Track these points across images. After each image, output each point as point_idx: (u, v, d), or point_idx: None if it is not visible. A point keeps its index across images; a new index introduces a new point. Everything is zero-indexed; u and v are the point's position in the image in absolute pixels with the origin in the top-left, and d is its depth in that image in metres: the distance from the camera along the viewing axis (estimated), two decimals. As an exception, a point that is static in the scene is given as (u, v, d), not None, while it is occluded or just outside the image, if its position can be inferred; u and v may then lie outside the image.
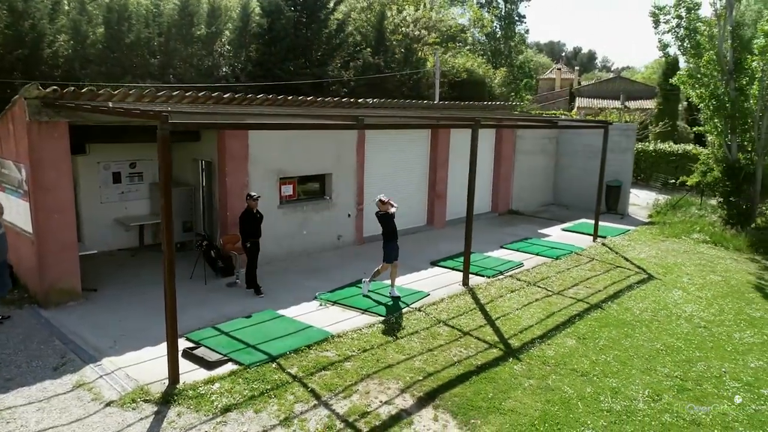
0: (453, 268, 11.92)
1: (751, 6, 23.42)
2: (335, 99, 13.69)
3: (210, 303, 9.65)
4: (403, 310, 9.58)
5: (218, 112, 10.16)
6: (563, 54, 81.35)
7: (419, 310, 9.61)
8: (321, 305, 9.75)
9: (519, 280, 11.55)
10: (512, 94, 34.91)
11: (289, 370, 7.34)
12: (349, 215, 13.44)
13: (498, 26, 46.27)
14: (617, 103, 37.88)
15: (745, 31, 17.59)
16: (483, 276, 11.56)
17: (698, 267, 12.91)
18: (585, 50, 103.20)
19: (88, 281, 10.04)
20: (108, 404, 6.48)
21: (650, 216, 18.63)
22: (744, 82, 15.62)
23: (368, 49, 24.12)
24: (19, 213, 9.61)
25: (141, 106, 9.38)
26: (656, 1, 16.62)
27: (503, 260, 12.77)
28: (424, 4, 31.54)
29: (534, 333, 8.88)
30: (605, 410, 6.75)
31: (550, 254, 13.45)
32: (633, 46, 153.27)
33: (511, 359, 7.95)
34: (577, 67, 65.15)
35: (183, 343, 7.68)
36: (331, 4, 22.97)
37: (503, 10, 46.79)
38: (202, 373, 7.19)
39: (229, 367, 7.39)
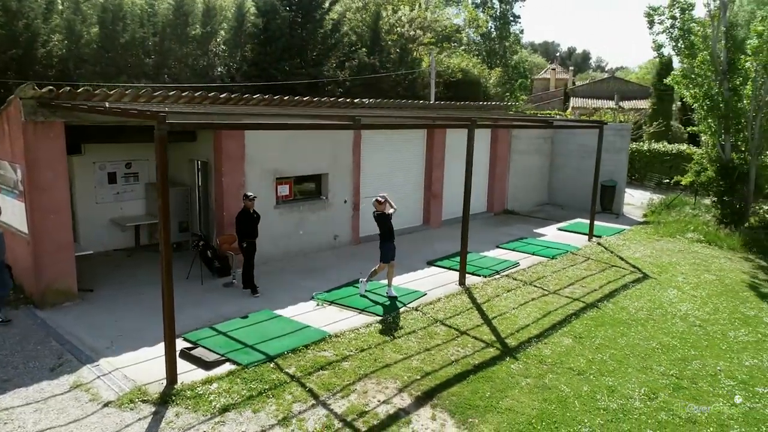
0: (449, 268, 11.95)
1: (744, 7, 23.57)
2: (331, 99, 13.70)
3: (207, 303, 9.64)
4: (400, 310, 9.60)
5: (214, 112, 10.16)
6: (558, 54, 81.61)
7: (416, 310, 9.63)
8: (318, 305, 9.76)
9: (515, 279, 11.60)
10: (507, 94, 35.07)
11: (287, 370, 7.34)
12: (345, 201, 13.45)
13: (493, 26, 46.46)
14: (611, 103, 38.01)
15: (738, 31, 17.71)
16: (479, 275, 11.59)
17: (693, 266, 13.00)
18: (579, 50, 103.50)
19: (84, 282, 10.02)
20: (106, 405, 6.47)
21: (645, 215, 18.73)
22: (737, 83, 15.73)
23: (363, 49, 24.16)
24: (14, 213, 9.57)
25: (138, 107, 9.36)
26: (651, 2, 16.74)
27: (499, 260, 12.81)
28: (420, 4, 31.59)
29: (530, 332, 8.92)
30: (602, 408, 6.79)
31: (546, 254, 13.51)
32: (627, 46, 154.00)
33: (508, 358, 7.98)
34: (571, 67, 65.34)
35: (180, 344, 7.67)
36: (327, 4, 22.99)
37: (498, 11, 46.99)
38: (200, 374, 7.19)
39: (227, 367, 7.39)
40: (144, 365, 7.37)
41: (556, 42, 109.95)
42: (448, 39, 33.17)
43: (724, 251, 14.54)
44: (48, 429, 6.03)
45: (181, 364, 7.23)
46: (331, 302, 9.84)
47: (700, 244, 15.15)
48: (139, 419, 6.21)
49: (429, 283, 10.99)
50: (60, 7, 17.82)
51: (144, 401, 6.52)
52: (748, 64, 15.39)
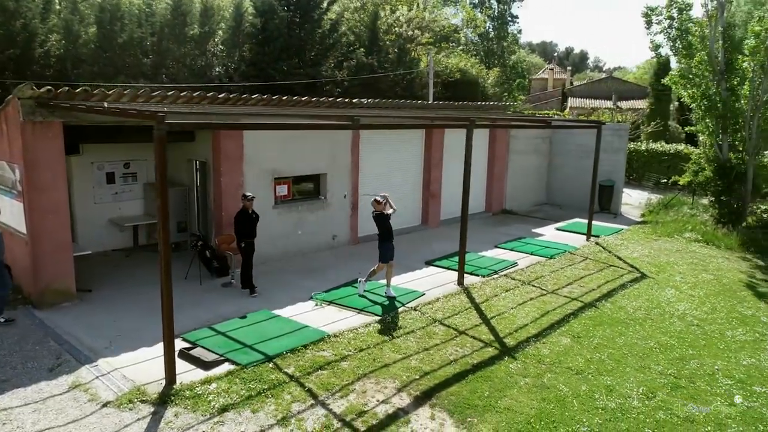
0: (448, 268, 11.96)
1: (742, 7, 23.66)
2: (330, 99, 13.70)
3: (205, 303, 9.64)
4: (399, 310, 9.61)
5: (213, 112, 10.15)
6: (555, 54, 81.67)
7: (415, 310, 9.64)
8: (317, 305, 9.76)
9: (514, 279, 11.61)
10: (505, 94, 35.09)
11: (285, 370, 7.35)
12: (345, 196, 13.45)
13: (491, 26, 46.52)
14: (609, 103, 38.06)
15: (735, 31, 17.74)
16: (478, 275, 11.61)
17: (690, 266, 13.03)
18: (577, 50, 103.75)
19: (83, 282, 10.01)
20: (105, 405, 6.47)
21: (643, 215, 18.77)
22: (735, 83, 15.77)
23: (361, 49, 24.16)
24: (13, 213, 9.56)
25: (136, 107, 9.35)
26: (648, 2, 16.78)
27: (498, 259, 12.83)
28: (417, 4, 31.62)
29: (529, 332, 8.93)
30: (600, 408, 6.80)
31: (544, 253, 13.53)
32: (625, 46, 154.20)
33: (506, 358, 8.00)
34: (569, 68, 65.49)
35: (179, 344, 7.66)
36: (325, 4, 22.99)
37: (496, 11, 47.03)
38: (199, 374, 7.19)
39: (226, 367, 7.39)
40: (143, 365, 7.36)
41: (554, 42, 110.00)
42: (446, 39, 33.19)
43: (721, 251, 14.57)
44: (47, 429, 6.02)
45: (180, 364, 7.23)
46: (330, 302, 9.84)
47: (697, 243, 15.18)
48: (138, 419, 6.21)
49: (427, 283, 11.00)
50: (57, 6, 17.80)
51: (143, 401, 6.52)
52: (745, 64, 15.43)
